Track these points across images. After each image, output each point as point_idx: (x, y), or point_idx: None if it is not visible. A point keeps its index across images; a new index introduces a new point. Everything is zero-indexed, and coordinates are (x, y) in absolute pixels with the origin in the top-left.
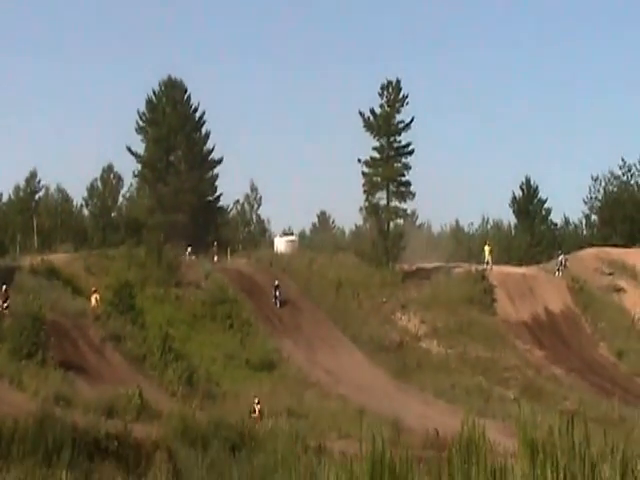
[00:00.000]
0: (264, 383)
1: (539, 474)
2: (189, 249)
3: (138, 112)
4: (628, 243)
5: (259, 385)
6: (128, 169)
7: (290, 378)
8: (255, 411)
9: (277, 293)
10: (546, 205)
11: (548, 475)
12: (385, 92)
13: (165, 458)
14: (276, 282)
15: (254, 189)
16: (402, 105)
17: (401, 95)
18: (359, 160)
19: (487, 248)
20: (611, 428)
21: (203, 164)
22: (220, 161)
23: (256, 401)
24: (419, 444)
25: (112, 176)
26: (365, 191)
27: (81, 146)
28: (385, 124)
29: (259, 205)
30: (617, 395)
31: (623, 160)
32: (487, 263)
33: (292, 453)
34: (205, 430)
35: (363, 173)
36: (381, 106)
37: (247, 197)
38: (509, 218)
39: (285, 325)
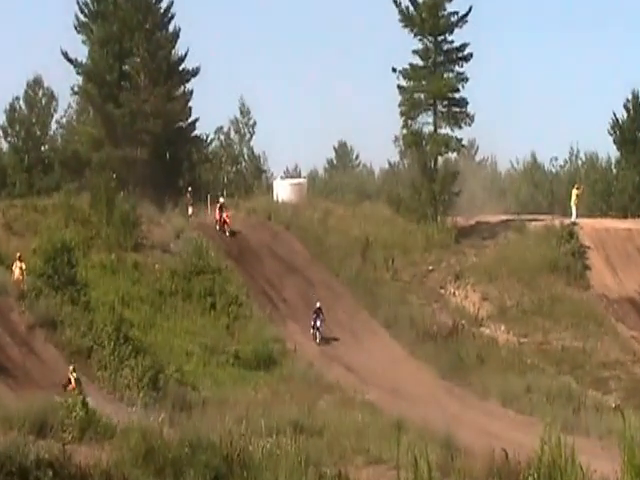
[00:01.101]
0: (261, 386)
1: None
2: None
3: (78, 1)
4: None
5: (254, 388)
6: (64, 84)
7: (297, 379)
8: (70, 382)
9: (223, 214)
10: None
11: None
12: None
13: None
14: (318, 304)
15: (245, 112)
16: None
17: None
18: (394, 70)
19: (575, 193)
20: None
21: (171, 77)
22: (196, 72)
23: (71, 368)
24: (481, 471)
25: (41, 94)
26: (402, 113)
27: None
28: (431, 16)
29: (252, 134)
30: None
31: None
32: (574, 215)
33: None
34: (177, 453)
35: (400, 88)
36: None
37: (235, 123)
38: (609, 150)
39: (290, 304)
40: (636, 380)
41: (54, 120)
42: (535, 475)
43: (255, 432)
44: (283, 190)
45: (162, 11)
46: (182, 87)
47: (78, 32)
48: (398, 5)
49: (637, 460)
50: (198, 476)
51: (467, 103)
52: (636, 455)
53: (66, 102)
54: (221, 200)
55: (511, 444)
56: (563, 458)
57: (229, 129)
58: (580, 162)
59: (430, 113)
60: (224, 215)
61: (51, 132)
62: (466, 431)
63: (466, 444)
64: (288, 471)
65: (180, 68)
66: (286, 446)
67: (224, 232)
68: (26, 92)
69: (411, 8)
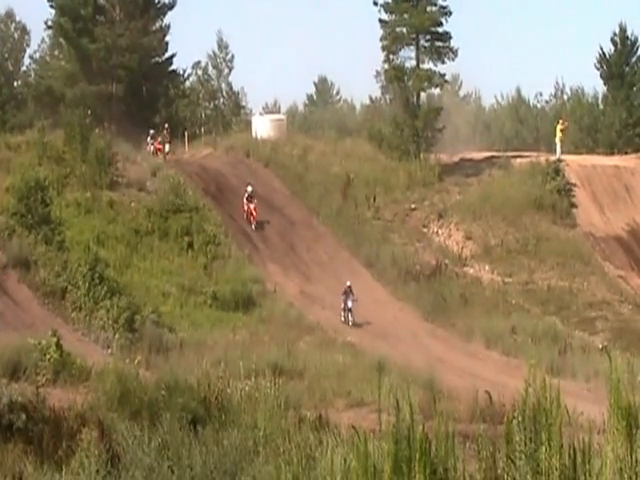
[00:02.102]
0: (239, 327)
1: (639, 456)
2: (152, 133)
3: None
4: None
5: (232, 330)
6: (37, 17)
7: (277, 320)
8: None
9: (251, 205)
10: None
11: None
12: None
13: (96, 437)
14: (249, 188)
15: (223, 46)
16: None
17: None
18: (375, 3)
19: (559, 128)
20: None
21: (147, 10)
22: (172, 5)
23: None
24: (464, 414)
25: (13, 28)
26: (384, 48)
27: None
28: None
29: (230, 69)
30: None
31: None
32: (558, 151)
33: (280, 428)
34: (153, 396)
35: (381, 21)
36: None
37: (212, 57)
38: (595, 85)
39: (270, 243)
40: (623, 320)
41: (27, 55)
42: (519, 418)
43: (233, 374)
44: (262, 126)
45: None
46: (158, 21)
47: None
48: None
49: (624, 402)
50: (175, 419)
51: (450, 37)
52: (623, 397)
53: (39, 37)
54: (249, 189)
55: (495, 386)
56: (548, 400)
57: (207, 64)
58: (566, 97)
59: (412, 47)
60: (252, 206)
61: (24, 67)
62: (449, 373)
63: (449, 386)
64: (267, 414)
65: (156, 1)
66: (265, 389)
67: (250, 224)
68: None
69: None
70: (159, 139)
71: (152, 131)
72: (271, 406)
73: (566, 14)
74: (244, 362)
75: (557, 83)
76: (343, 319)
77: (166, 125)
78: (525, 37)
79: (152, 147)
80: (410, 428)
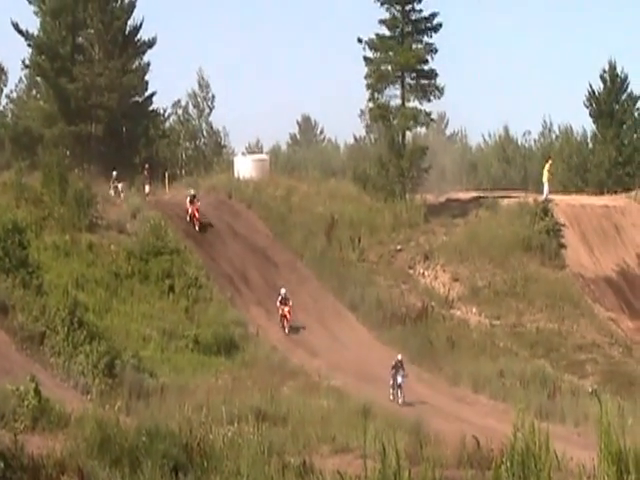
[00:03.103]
0: (222, 372)
1: None
2: (115, 175)
3: None
4: None
5: (214, 374)
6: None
7: (260, 364)
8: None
9: (399, 378)
10: None
11: None
12: None
13: None
14: (399, 356)
15: (203, 85)
16: None
17: None
18: (360, 40)
19: (546, 168)
20: None
21: (127, 49)
22: (152, 44)
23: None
24: (451, 459)
25: None
26: (369, 86)
27: None
28: None
29: (211, 109)
30: None
31: None
32: (546, 191)
33: (263, 475)
34: (134, 443)
35: (366, 59)
36: None
37: (193, 96)
38: (584, 124)
39: (252, 286)
40: (613, 363)
41: (4, 95)
42: (508, 463)
43: (216, 420)
44: (244, 167)
45: None
46: (138, 59)
47: (30, 2)
48: None
49: (614, 447)
50: (156, 466)
51: (436, 75)
52: (613, 442)
53: (17, 76)
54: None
55: (483, 431)
56: (537, 445)
57: (187, 103)
58: (554, 136)
59: (398, 85)
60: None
61: (1, 107)
62: (436, 417)
63: (436, 431)
64: (250, 461)
65: (136, 39)
66: (248, 434)
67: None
68: None
69: None
70: (119, 185)
71: (115, 172)
72: (254, 452)
73: (554, 51)
74: (226, 407)
75: (544, 122)
76: (392, 397)
77: (146, 166)
78: (512, 74)
79: (113, 190)
80: (396, 474)
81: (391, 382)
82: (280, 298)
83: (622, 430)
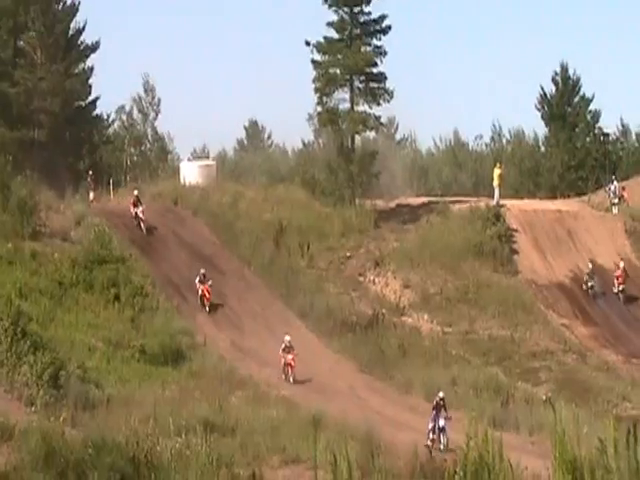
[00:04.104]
0: (169, 382)
1: None
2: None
3: None
4: None
5: (161, 385)
6: None
7: (208, 374)
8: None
9: (441, 421)
10: (592, 106)
11: None
12: None
13: None
14: (441, 394)
15: (149, 89)
16: None
17: None
18: (307, 43)
19: (497, 172)
20: None
21: (69, 52)
22: (96, 47)
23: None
24: (404, 470)
25: None
26: (317, 90)
27: None
28: None
29: (157, 114)
30: None
31: None
32: (496, 196)
33: None
34: (80, 456)
35: (314, 62)
36: None
37: (138, 101)
38: (536, 127)
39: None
40: (567, 371)
41: None
42: (461, 473)
43: (163, 431)
44: (190, 173)
45: None
46: (81, 63)
47: None
48: None
49: (569, 456)
50: (103, 479)
51: (386, 78)
52: (568, 450)
53: None
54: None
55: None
56: (491, 455)
57: (131, 108)
58: (505, 140)
59: (347, 89)
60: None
61: None
62: (388, 427)
63: (388, 441)
64: (199, 473)
65: (78, 43)
66: (196, 446)
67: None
68: None
69: None
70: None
71: (90, 172)
72: (203, 464)
73: (504, 54)
74: (174, 418)
75: (494, 125)
76: (429, 442)
77: (90, 172)
78: (462, 78)
79: (93, 193)
80: None
81: (430, 425)
82: (283, 346)
83: (577, 438)
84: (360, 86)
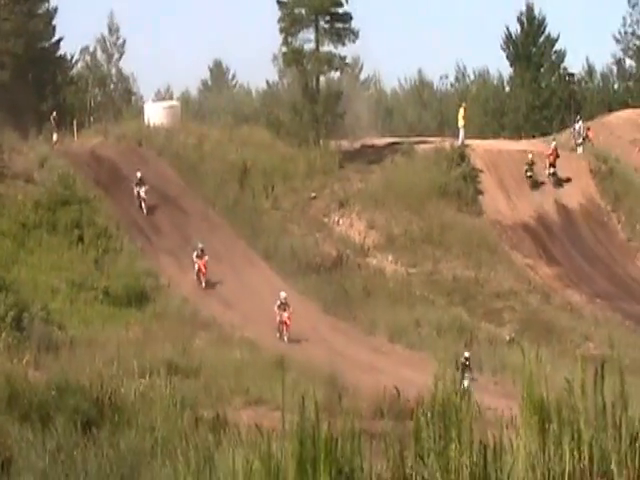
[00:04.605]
0: (132, 324)
1: (552, 452)
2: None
3: None
4: None
5: (125, 326)
6: None
7: (172, 316)
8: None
9: (141, 191)
10: (557, 46)
11: (566, 453)
12: None
13: None
14: (138, 174)
15: (113, 29)
16: None
17: None
18: None
19: (461, 112)
20: None
21: None
22: None
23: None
24: (369, 411)
25: None
26: (282, 30)
27: None
28: None
29: (121, 54)
30: None
31: None
32: (461, 137)
33: (176, 429)
34: (44, 398)
35: (279, 2)
36: None
37: (102, 42)
38: (501, 67)
39: (163, 235)
40: (531, 311)
41: None
42: (428, 414)
43: (127, 373)
44: (155, 114)
45: None
46: (45, 4)
47: None
48: None
49: (535, 397)
50: (67, 421)
51: (351, 18)
52: (534, 391)
53: None
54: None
55: (399, 381)
56: (458, 396)
57: (95, 49)
58: (470, 80)
59: (312, 29)
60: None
61: None
62: (352, 368)
63: (352, 382)
64: (163, 414)
65: None
66: (160, 388)
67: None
68: None
69: None
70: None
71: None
72: (167, 406)
73: None
74: (138, 360)
75: (458, 66)
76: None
77: (54, 113)
78: (427, 17)
79: (56, 134)
80: (315, 427)
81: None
82: (279, 303)
83: (544, 379)
84: (325, 26)
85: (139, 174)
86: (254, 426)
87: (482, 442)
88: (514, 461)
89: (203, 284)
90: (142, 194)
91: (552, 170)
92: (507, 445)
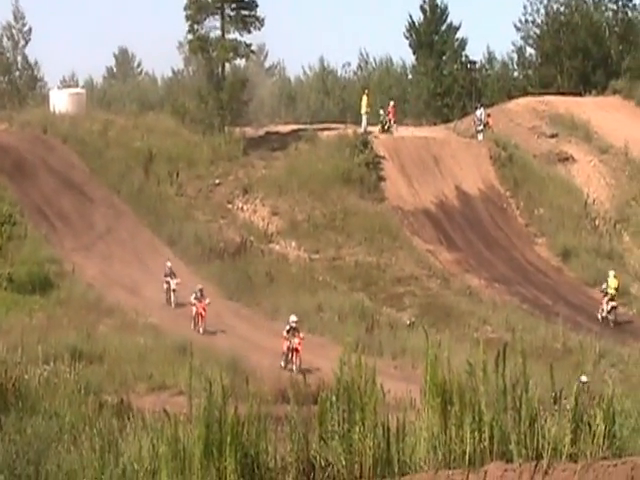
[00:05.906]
0: (36, 310)
1: (454, 434)
2: None
3: None
4: (579, 89)
5: (29, 313)
6: None
7: (76, 302)
8: None
9: (172, 283)
10: (459, 34)
11: (467, 434)
12: None
13: None
14: (168, 264)
15: (19, 16)
16: None
17: None
18: None
19: (364, 100)
20: (554, 363)
21: None
22: None
23: None
24: (274, 395)
25: None
26: (188, 17)
27: None
28: None
29: (27, 41)
30: (561, 315)
31: None
32: (364, 124)
33: (80, 414)
34: None
35: None
36: None
37: (7, 28)
38: (403, 55)
39: (68, 222)
40: (431, 296)
41: None
42: (333, 398)
43: (31, 360)
44: (60, 101)
45: None
46: None
47: None
48: None
49: (436, 380)
50: None
51: (257, 6)
52: (435, 375)
53: None
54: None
55: (304, 366)
56: (363, 380)
57: (1, 36)
58: (372, 67)
59: (218, 17)
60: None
61: None
62: (255, 353)
63: (254, 367)
64: (67, 400)
65: None
66: (64, 374)
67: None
68: None
69: None
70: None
71: None
72: (70, 391)
73: None
74: (42, 347)
75: (361, 54)
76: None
77: None
78: (332, 5)
79: None
80: (222, 411)
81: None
82: (288, 327)
83: (445, 362)
84: (231, 14)
85: (169, 263)
86: (159, 411)
87: (385, 425)
88: (416, 443)
89: (201, 330)
90: (172, 285)
91: (394, 125)
92: (409, 428)
